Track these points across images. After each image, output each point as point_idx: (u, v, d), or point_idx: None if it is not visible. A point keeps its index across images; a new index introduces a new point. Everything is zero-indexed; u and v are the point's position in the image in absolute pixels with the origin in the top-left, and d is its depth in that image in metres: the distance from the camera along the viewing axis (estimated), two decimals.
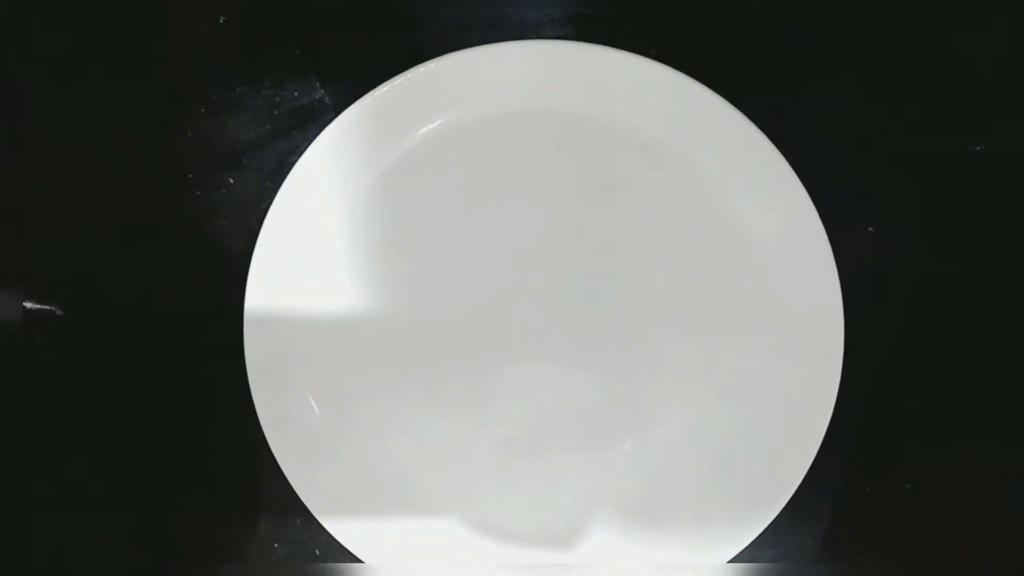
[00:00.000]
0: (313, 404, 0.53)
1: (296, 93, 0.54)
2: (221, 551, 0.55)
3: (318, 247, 0.53)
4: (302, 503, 0.51)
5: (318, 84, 0.54)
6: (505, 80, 0.51)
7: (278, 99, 0.54)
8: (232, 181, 0.55)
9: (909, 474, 0.55)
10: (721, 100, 0.50)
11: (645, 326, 0.53)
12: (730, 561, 0.52)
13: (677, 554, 0.52)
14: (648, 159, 0.52)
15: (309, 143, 0.51)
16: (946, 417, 0.54)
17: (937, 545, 0.55)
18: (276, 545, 0.55)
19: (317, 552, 0.54)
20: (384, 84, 0.51)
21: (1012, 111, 0.54)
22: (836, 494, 0.55)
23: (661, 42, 0.53)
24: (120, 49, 0.55)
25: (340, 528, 0.51)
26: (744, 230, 0.52)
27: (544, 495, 0.54)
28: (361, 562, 0.52)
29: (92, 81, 0.55)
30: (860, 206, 0.54)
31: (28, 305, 0.54)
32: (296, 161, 0.51)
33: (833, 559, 0.55)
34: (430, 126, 0.53)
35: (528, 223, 0.53)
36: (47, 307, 0.54)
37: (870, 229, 0.54)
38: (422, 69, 0.51)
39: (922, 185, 0.54)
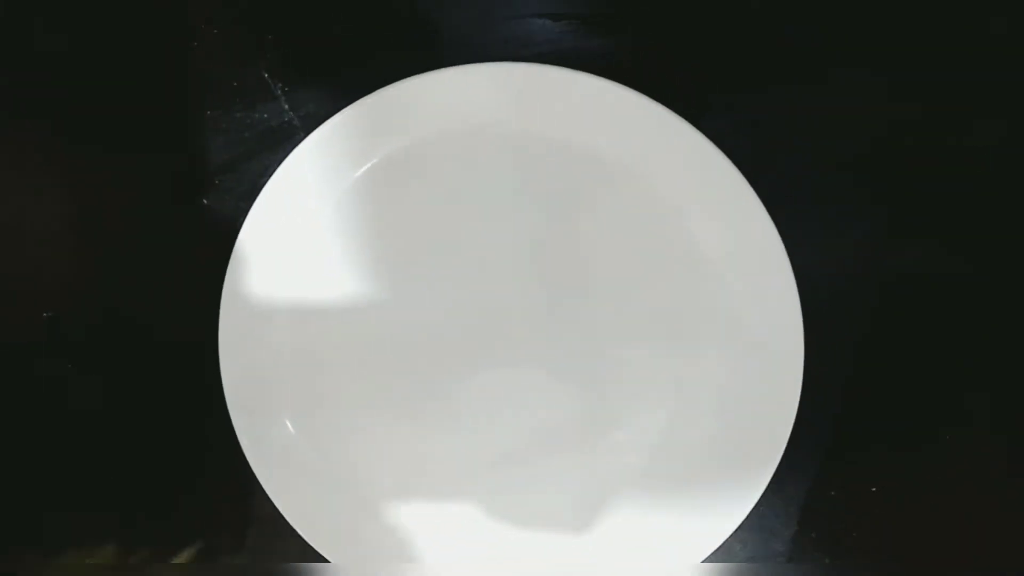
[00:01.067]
0: (288, 423, 0.54)
1: (266, 115, 0.55)
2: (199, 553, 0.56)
3: (289, 268, 0.54)
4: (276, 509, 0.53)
5: (287, 106, 0.55)
6: (469, 101, 0.52)
7: (248, 122, 0.55)
8: (205, 202, 0.55)
9: (874, 477, 0.56)
10: (678, 119, 0.51)
11: (610, 337, 0.54)
12: (703, 561, 0.53)
13: (646, 555, 0.54)
14: (609, 177, 0.53)
15: (279, 164, 0.52)
16: (909, 421, 0.55)
17: (903, 545, 0.56)
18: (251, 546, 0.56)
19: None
20: (351, 106, 0.52)
21: (978, 112, 0.55)
22: (803, 498, 0.56)
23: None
24: (93, 73, 0.56)
25: (313, 535, 0.53)
26: (702, 244, 0.53)
27: (517, 502, 0.55)
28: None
29: (62, 105, 0.56)
30: (817, 217, 0.55)
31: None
32: (266, 183, 0.52)
33: (802, 561, 0.56)
34: (397, 147, 0.53)
35: (494, 240, 0.54)
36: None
37: (829, 238, 0.55)
38: (389, 91, 0.52)
39: (880, 191, 0.55)
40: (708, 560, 0.53)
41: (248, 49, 0.55)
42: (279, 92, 0.55)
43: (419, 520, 0.54)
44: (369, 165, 0.53)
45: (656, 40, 0.54)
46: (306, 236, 0.54)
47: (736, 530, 0.53)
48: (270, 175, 0.52)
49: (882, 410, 0.55)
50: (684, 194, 0.53)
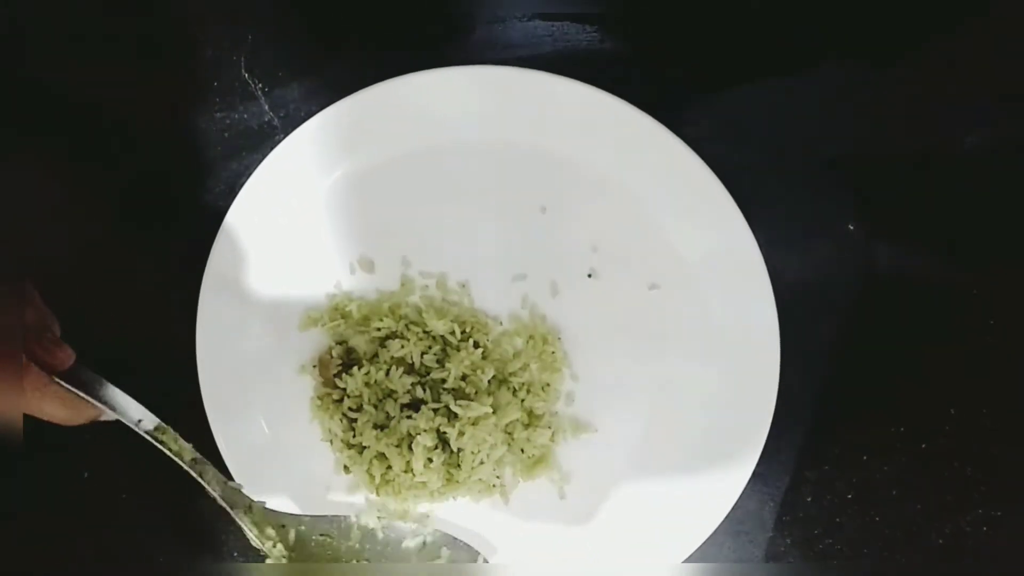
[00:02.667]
0: (263, 423, 0.54)
1: (246, 116, 0.55)
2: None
3: (268, 268, 0.54)
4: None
5: (267, 107, 0.55)
6: (448, 104, 0.52)
7: (228, 122, 0.55)
8: (184, 202, 0.55)
9: (851, 482, 0.56)
10: (655, 123, 0.51)
11: (586, 340, 0.54)
12: (685, 561, 0.53)
13: (629, 555, 0.54)
14: (585, 180, 0.53)
15: (258, 165, 0.52)
16: (885, 427, 0.56)
17: (878, 549, 0.56)
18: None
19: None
20: (331, 107, 0.52)
21: (956, 116, 0.55)
22: (780, 502, 0.56)
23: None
24: (72, 73, 0.56)
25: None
26: (679, 247, 0.53)
27: (498, 503, 0.55)
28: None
29: (44, 103, 0.56)
30: (794, 221, 0.55)
31: None
32: (244, 183, 0.52)
33: (779, 561, 0.56)
34: (376, 149, 0.53)
35: (472, 241, 0.54)
36: None
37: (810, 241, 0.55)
38: (368, 93, 0.52)
39: (857, 195, 0.55)
40: (689, 560, 0.53)
41: (228, 49, 0.55)
42: (259, 92, 0.55)
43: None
44: (348, 166, 0.54)
45: (637, 45, 0.55)
46: (285, 236, 0.54)
47: (715, 533, 0.53)
48: (249, 175, 0.52)
49: (858, 415, 0.56)
50: (661, 198, 0.53)
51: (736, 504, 0.53)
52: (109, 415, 0.47)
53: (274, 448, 0.54)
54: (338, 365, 0.53)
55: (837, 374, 0.55)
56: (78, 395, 0.45)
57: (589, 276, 0.54)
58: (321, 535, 0.51)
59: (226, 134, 0.55)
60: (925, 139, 0.55)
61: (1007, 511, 0.55)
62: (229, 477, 0.51)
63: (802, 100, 0.55)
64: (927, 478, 0.56)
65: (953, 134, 0.55)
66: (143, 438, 0.48)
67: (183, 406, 0.53)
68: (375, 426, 0.53)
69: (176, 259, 0.55)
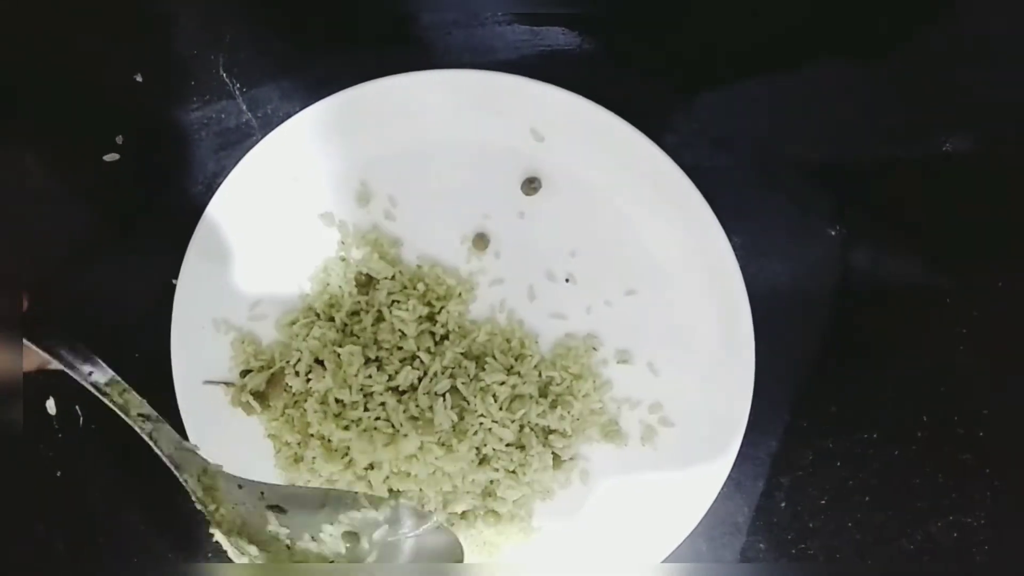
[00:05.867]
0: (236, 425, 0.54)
1: (223, 115, 0.55)
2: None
3: (244, 270, 0.54)
4: None
5: (245, 107, 0.55)
6: (425, 106, 0.52)
7: (205, 121, 0.55)
8: (160, 202, 0.55)
9: (823, 488, 0.56)
10: (631, 128, 0.51)
11: (561, 343, 0.54)
12: (664, 561, 0.54)
13: (609, 555, 0.55)
14: (560, 186, 0.53)
15: (235, 165, 0.52)
16: (860, 434, 0.56)
17: (848, 552, 0.57)
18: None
19: None
20: (308, 108, 0.51)
21: (934, 122, 0.55)
22: (755, 506, 0.56)
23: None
24: (48, 70, 0.55)
25: None
26: (655, 254, 0.53)
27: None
28: None
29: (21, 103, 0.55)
30: (773, 227, 0.55)
31: None
32: (221, 183, 0.52)
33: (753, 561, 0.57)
34: (352, 150, 0.53)
35: (448, 243, 0.54)
36: None
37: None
38: (346, 95, 0.51)
39: (836, 200, 0.55)
40: (667, 560, 0.54)
41: (207, 48, 0.54)
42: (237, 92, 0.55)
43: None
44: (325, 168, 0.53)
45: (617, 49, 0.54)
46: (261, 237, 0.54)
47: (691, 536, 0.53)
48: (227, 175, 0.52)
49: (832, 422, 0.56)
50: (638, 204, 0.53)
51: (711, 508, 0.53)
52: (55, 365, 0.45)
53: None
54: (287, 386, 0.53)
55: (812, 381, 0.56)
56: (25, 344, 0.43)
57: (567, 281, 0.54)
58: (275, 507, 0.47)
59: (203, 133, 0.55)
60: (906, 144, 0.55)
61: (978, 518, 0.56)
62: (185, 437, 0.49)
63: (783, 104, 0.55)
64: (899, 485, 0.56)
65: (934, 139, 0.55)
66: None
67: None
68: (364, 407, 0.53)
69: (152, 258, 0.54)
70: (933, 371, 0.56)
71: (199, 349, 0.54)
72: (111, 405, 0.45)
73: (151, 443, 0.45)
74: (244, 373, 0.54)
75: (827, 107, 0.55)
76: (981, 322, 0.55)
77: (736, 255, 0.52)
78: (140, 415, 0.46)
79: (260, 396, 0.53)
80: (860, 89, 0.55)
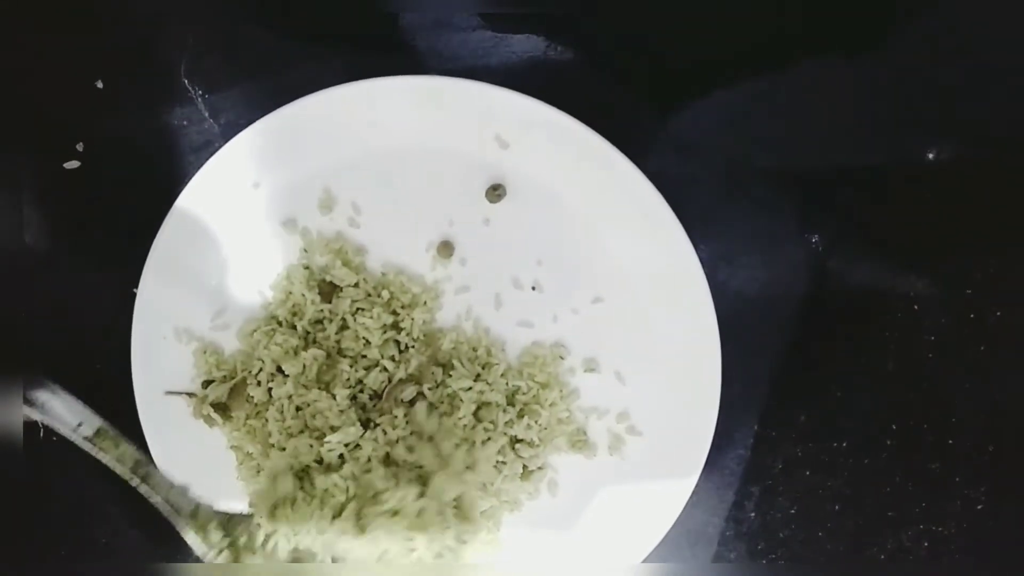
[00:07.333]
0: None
1: (185, 122, 0.54)
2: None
3: (204, 278, 0.53)
4: None
5: (206, 113, 0.54)
6: (387, 113, 0.51)
7: (167, 128, 0.54)
8: (121, 207, 0.54)
9: (794, 497, 0.56)
10: (596, 135, 0.50)
11: (528, 352, 0.54)
12: (644, 561, 0.54)
13: (589, 555, 0.54)
14: (525, 194, 0.53)
15: (196, 171, 0.51)
16: (827, 444, 0.56)
17: (818, 562, 0.56)
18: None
19: None
20: (269, 115, 0.51)
21: (913, 131, 0.55)
22: (727, 513, 0.56)
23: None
24: (9, 78, 0.54)
25: None
26: (621, 262, 0.53)
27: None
28: None
29: None
30: (742, 235, 0.55)
31: None
32: (182, 190, 0.51)
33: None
34: (314, 157, 0.52)
35: (411, 252, 0.53)
36: None
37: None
38: (307, 101, 0.51)
39: (805, 209, 0.55)
40: (647, 560, 0.53)
41: (168, 53, 0.54)
42: (198, 98, 0.54)
43: None
44: (288, 174, 0.53)
45: (584, 56, 0.54)
46: (223, 245, 0.53)
47: (660, 547, 0.53)
48: (188, 182, 0.51)
49: (802, 430, 0.56)
50: (604, 212, 0.52)
51: (680, 519, 0.53)
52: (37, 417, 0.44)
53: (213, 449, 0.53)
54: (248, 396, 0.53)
55: (781, 389, 0.55)
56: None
57: (533, 289, 0.54)
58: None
59: (165, 140, 0.54)
60: (874, 151, 0.55)
61: (948, 527, 0.56)
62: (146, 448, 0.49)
63: (751, 111, 0.55)
64: (869, 494, 0.56)
65: (903, 146, 0.55)
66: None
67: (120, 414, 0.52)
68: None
69: (113, 267, 0.54)
70: (902, 379, 0.55)
71: (160, 359, 0.53)
72: (104, 458, 0.44)
73: (146, 488, 0.45)
74: (206, 384, 0.53)
75: (795, 114, 0.55)
76: (950, 330, 0.55)
77: (704, 263, 0.51)
78: (137, 462, 0.45)
79: (222, 407, 0.53)
80: (827, 96, 0.55)
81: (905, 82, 0.55)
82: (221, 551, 0.47)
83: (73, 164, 0.54)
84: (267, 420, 0.52)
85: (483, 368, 0.53)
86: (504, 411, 0.53)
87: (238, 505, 0.51)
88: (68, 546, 0.56)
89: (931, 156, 0.55)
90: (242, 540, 0.47)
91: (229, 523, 0.47)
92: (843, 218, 0.55)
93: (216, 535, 0.47)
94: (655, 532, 0.53)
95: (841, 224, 0.55)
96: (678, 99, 0.55)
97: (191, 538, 0.47)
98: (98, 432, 0.45)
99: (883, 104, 0.55)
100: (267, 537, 0.47)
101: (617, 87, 0.54)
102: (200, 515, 0.47)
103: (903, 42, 0.54)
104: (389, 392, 0.51)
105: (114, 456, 0.45)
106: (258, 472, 0.53)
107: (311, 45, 0.54)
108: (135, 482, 0.46)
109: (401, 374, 0.51)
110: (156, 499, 0.46)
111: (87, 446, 0.45)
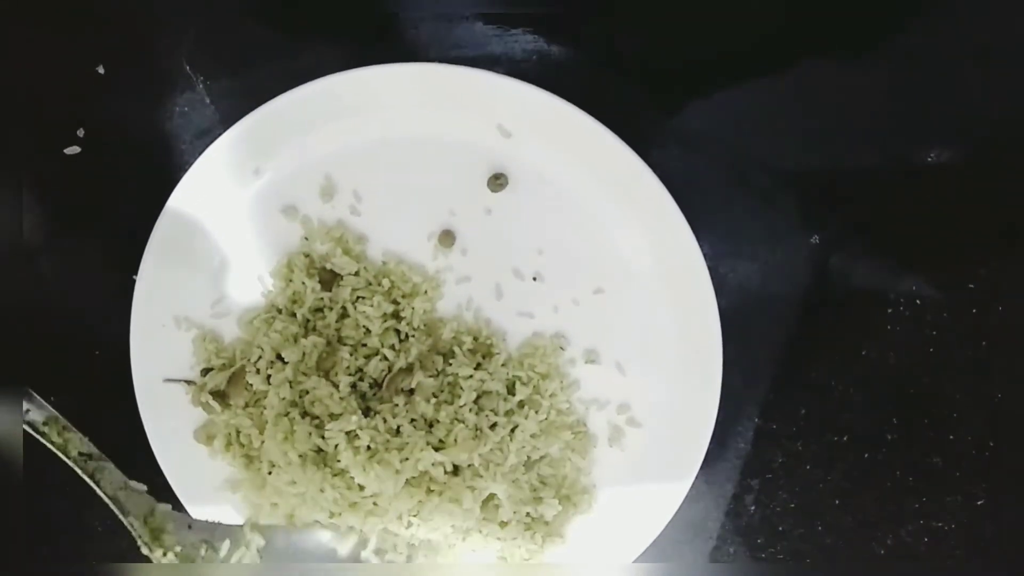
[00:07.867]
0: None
1: (186, 108, 0.54)
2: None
3: (203, 266, 0.53)
4: None
5: (208, 100, 0.54)
6: (388, 100, 0.51)
7: (168, 114, 0.54)
8: (122, 193, 0.54)
9: (793, 491, 0.56)
10: (600, 125, 0.50)
11: (527, 346, 0.54)
12: (635, 561, 0.53)
13: (583, 555, 0.54)
14: (529, 185, 0.53)
15: (197, 158, 0.51)
16: (828, 439, 0.56)
17: (817, 556, 0.56)
18: None
19: None
20: (270, 102, 0.50)
21: (914, 133, 0.55)
22: (725, 508, 0.56)
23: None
24: (10, 64, 0.54)
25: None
26: (624, 255, 0.53)
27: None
28: None
29: None
30: (747, 230, 0.55)
31: None
32: (183, 177, 0.51)
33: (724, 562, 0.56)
34: (316, 144, 0.52)
35: (412, 241, 0.53)
36: None
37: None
38: (307, 88, 0.50)
39: (808, 207, 0.55)
40: (647, 553, 0.53)
41: (170, 41, 0.54)
42: (200, 85, 0.54)
43: None
44: (287, 162, 0.52)
45: (587, 50, 0.54)
46: (223, 232, 0.53)
47: (660, 540, 0.52)
48: (189, 168, 0.51)
49: (801, 424, 0.56)
50: (607, 203, 0.52)
51: (680, 512, 0.53)
52: None
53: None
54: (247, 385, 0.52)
55: (782, 383, 0.55)
56: None
57: (534, 279, 0.53)
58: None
59: (166, 126, 0.54)
60: (877, 150, 0.55)
61: (947, 522, 0.56)
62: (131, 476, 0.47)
63: (756, 107, 0.55)
64: (869, 488, 0.56)
65: (906, 145, 0.55)
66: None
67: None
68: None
69: (113, 253, 0.54)
70: (903, 374, 0.55)
71: (160, 346, 0.53)
72: (49, 446, 0.43)
73: (93, 484, 0.43)
74: (205, 371, 0.53)
75: (798, 112, 0.55)
76: (951, 326, 0.55)
77: (707, 256, 0.51)
78: (81, 454, 0.44)
79: (221, 395, 0.52)
80: (830, 96, 0.55)
81: (906, 82, 0.55)
82: (166, 553, 0.45)
83: (74, 150, 0.54)
84: (265, 408, 0.52)
85: (484, 358, 0.53)
86: (505, 399, 0.53)
87: (215, 510, 0.52)
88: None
89: (931, 156, 0.55)
90: (202, 551, 0.45)
91: (190, 530, 0.46)
92: (844, 215, 0.55)
93: (170, 540, 0.45)
94: (654, 524, 0.52)
95: (842, 221, 0.55)
96: (683, 95, 0.54)
97: (143, 543, 0.45)
98: (47, 420, 0.44)
99: (884, 104, 0.55)
100: (232, 550, 0.46)
101: (620, 81, 0.54)
102: (156, 518, 0.45)
103: (904, 42, 0.54)
104: (389, 381, 0.51)
105: (56, 446, 0.44)
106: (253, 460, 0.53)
107: (313, 33, 0.54)
108: (85, 472, 0.44)
109: (401, 363, 0.51)
110: (103, 495, 0.44)
111: (33, 432, 0.44)
